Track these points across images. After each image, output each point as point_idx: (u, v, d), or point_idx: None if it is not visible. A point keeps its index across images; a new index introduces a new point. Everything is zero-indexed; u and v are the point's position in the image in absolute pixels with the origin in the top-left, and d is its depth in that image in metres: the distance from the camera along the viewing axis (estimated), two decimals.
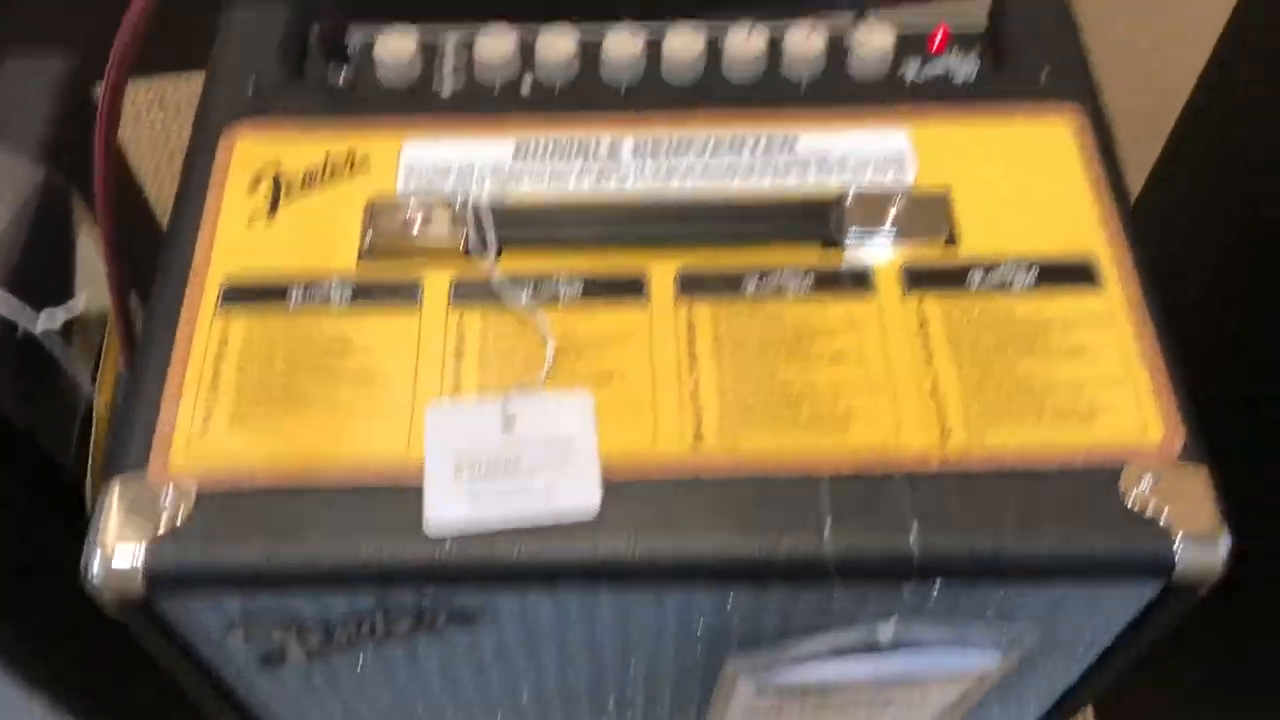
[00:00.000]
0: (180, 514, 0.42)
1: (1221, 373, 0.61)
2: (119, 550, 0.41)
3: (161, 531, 0.41)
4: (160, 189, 1.07)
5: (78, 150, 0.59)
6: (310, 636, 0.46)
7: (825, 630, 0.45)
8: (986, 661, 0.47)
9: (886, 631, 0.45)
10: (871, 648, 0.46)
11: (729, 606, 0.44)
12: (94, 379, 0.57)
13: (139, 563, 0.41)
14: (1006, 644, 0.46)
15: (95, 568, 0.41)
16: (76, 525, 0.50)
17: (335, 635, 0.46)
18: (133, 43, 0.47)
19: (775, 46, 0.54)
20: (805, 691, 0.48)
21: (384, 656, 0.48)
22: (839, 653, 0.46)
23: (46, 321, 0.53)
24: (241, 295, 0.47)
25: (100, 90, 0.48)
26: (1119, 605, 0.45)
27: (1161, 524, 0.41)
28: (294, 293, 0.47)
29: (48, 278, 0.55)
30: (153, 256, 0.50)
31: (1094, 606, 0.45)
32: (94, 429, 0.56)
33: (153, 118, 1.14)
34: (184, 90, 1.13)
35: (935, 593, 0.43)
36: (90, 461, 0.56)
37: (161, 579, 0.41)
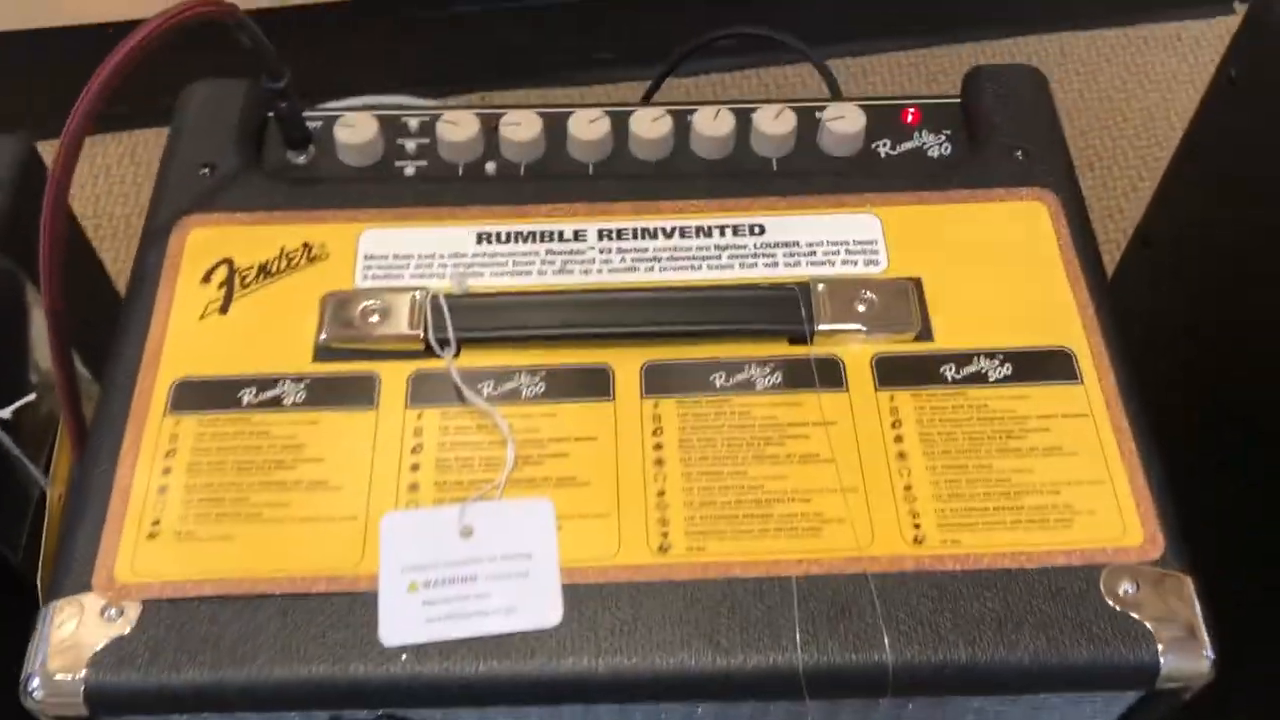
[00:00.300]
0: (123, 631, 0.40)
1: (1198, 454, 0.60)
2: (58, 670, 0.39)
3: (103, 651, 0.40)
4: (130, 247, 1.06)
5: (31, 234, 0.57)
6: None
7: None
8: None
9: None
10: None
11: (697, 718, 0.42)
12: (47, 469, 0.55)
13: (79, 684, 0.39)
14: None
15: (35, 687, 0.39)
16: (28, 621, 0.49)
17: None
18: (92, 108, 0.45)
19: (745, 125, 0.54)
20: None
21: None
22: None
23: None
24: (193, 394, 0.45)
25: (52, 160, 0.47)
26: (1099, 710, 0.43)
27: (1145, 630, 0.40)
28: (246, 393, 0.45)
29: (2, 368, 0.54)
30: (110, 331, 0.49)
31: (1073, 712, 0.43)
32: (46, 522, 0.54)
33: (123, 172, 1.12)
34: (155, 145, 1.12)
35: (909, 706, 0.41)
36: (42, 555, 0.54)
37: (103, 700, 0.39)
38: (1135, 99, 1.15)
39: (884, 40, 1.17)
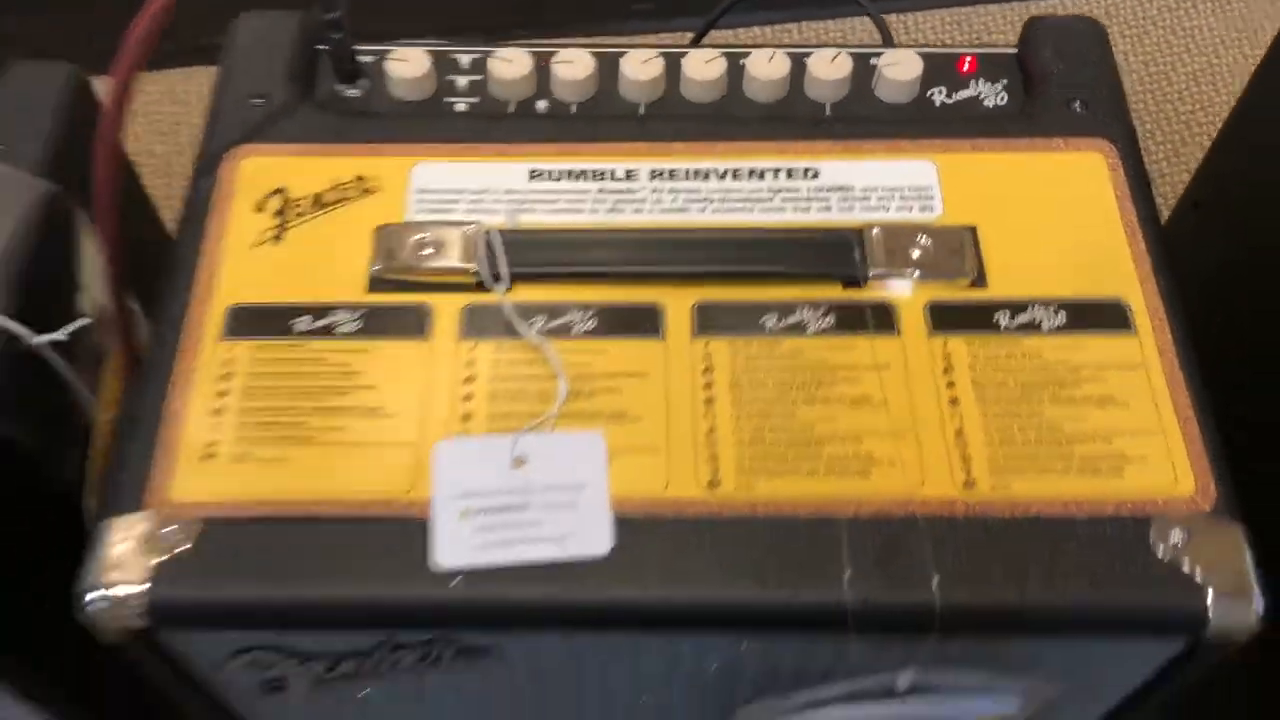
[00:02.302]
0: (181, 547, 0.41)
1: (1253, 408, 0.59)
2: (118, 584, 0.40)
3: (162, 565, 0.40)
4: (170, 185, 1.06)
5: (82, 161, 0.58)
6: (313, 667, 0.45)
7: (841, 678, 0.44)
8: (1005, 709, 0.46)
9: (904, 680, 0.44)
10: (888, 694, 0.45)
11: (742, 653, 0.43)
12: (96, 394, 0.56)
13: (138, 597, 0.40)
14: (1027, 693, 0.45)
15: (94, 600, 0.40)
16: (78, 544, 0.50)
17: (339, 668, 0.45)
18: (145, 43, 0.46)
19: (799, 70, 0.53)
20: None
21: (389, 688, 0.47)
22: (854, 698, 0.45)
23: (48, 338, 0.52)
24: (247, 321, 0.46)
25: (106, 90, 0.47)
26: (1146, 659, 0.43)
27: (1194, 580, 0.40)
28: (300, 320, 0.46)
29: (50, 293, 0.54)
30: (159, 266, 0.49)
31: (1120, 659, 0.43)
32: (93, 446, 0.55)
33: (162, 110, 1.13)
34: (194, 83, 1.12)
35: (956, 645, 0.41)
36: (91, 480, 0.54)
37: (161, 613, 0.40)
38: (1181, 62, 1.13)
39: None
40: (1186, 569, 0.40)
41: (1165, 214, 0.78)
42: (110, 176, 0.48)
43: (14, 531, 0.51)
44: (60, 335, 0.52)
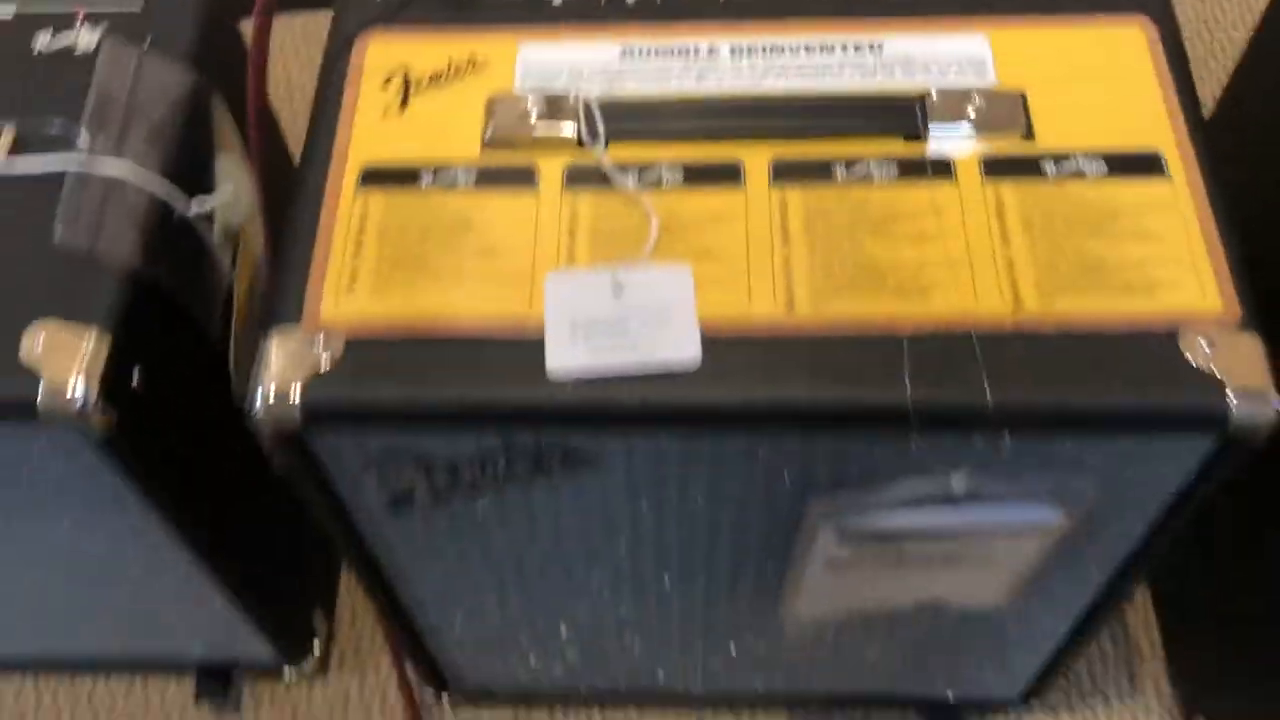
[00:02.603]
0: (331, 359, 0.48)
1: None
2: (280, 389, 0.47)
3: (316, 373, 0.47)
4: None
5: (221, 57, 0.65)
6: (438, 477, 0.52)
7: (902, 479, 0.50)
8: (1051, 516, 0.51)
9: (959, 482, 0.49)
10: (944, 499, 0.50)
11: (815, 454, 0.49)
12: (233, 265, 0.63)
13: (297, 399, 0.47)
14: (1071, 499, 0.50)
15: (258, 404, 0.47)
16: (225, 394, 0.57)
17: (461, 476, 0.51)
18: None
19: None
20: (882, 540, 0.52)
21: (500, 505, 0.54)
22: (914, 502, 0.51)
23: (198, 206, 0.59)
24: (378, 177, 0.52)
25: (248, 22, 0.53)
26: (1175, 461, 0.49)
27: (1218, 380, 0.45)
28: (424, 176, 0.52)
29: (194, 170, 0.61)
30: (277, 171, 0.56)
31: (1152, 462, 0.49)
32: (235, 308, 0.62)
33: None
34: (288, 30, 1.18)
35: (1005, 444, 0.47)
36: (233, 338, 0.62)
37: (315, 414, 0.47)
38: None
39: None
40: (1210, 371, 0.45)
41: None
42: (259, 82, 0.54)
43: (172, 376, 0.58)
44: (209, 204, 0.59)
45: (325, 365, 0.47)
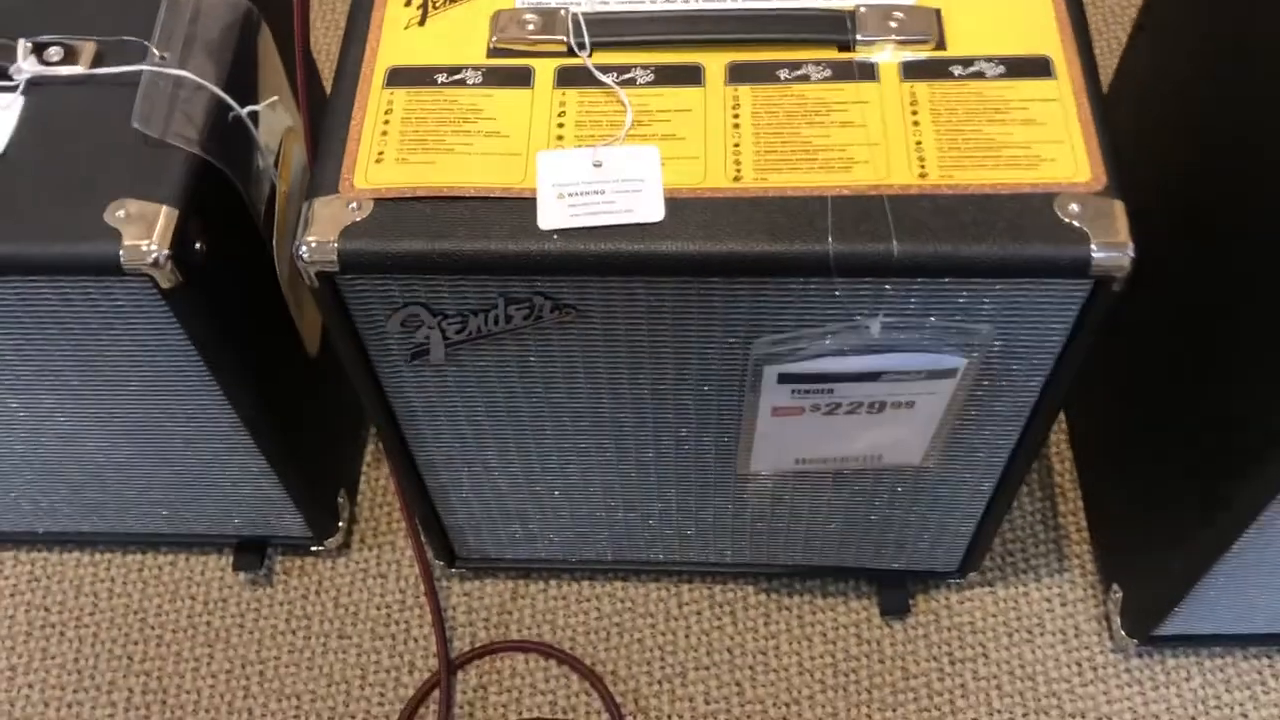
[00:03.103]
0: (361, 218, 0.58)
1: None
2: (321, 239, 0.58)
3: (348, 228, 0.58)
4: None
5: None
6: (448, 328, 0.62)
7: (829, 325, 0.60)
8: (958, 362, 0.62)
9: (876, 328, 0.59)
10: (866, 348, 0.61)
11: (759, 301, 0.59)
12: (275, 165, 0.74)
13: (335, 245, 0.58)
14: (973, 347, 0.61)
15: (305, 250, 0.58)
16: (271, 278, 0.67)
17: (468, 325, 0.62)
18: None
19: None
20: (816, 383, 0.63)
21: (500, 359, 0.65)
22: (840, 351, 0.61)
23: (248, 109, 0.69)
24: (401, 77, 0.63)
25: None
26: (1057, 309, 0.59)
27: (1084, 234, 0.55)
28: (440, 75, 0.63)
29: (245, 84, 0.72)
30: (311, 87, 0.67)
31: (1038, 310, 0.59)
32: (277, 203, 0.73)
33: None
34: None
35: (913, 289, 0.57)
36: (275, 230, 0.72)
37: (351, 258, 0.58)
38: None
39: None
40: (1079, 226, 0.55)
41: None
42: (303, 11, 0.65)
43: (233, 258, 0.69)
44: (258, 106, 0.70)
45: (358, 221, 0.58)
